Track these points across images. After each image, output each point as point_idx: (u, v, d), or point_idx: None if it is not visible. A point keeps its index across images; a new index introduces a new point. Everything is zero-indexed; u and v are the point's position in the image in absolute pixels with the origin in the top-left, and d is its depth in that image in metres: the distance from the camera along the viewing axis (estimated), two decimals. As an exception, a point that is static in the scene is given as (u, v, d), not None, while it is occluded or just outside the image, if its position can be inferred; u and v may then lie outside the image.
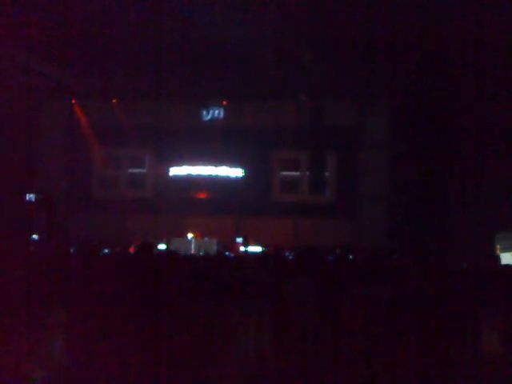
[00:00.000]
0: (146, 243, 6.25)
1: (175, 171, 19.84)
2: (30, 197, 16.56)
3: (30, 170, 18.46)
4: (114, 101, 19.27)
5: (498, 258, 5.06)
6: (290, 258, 9.91)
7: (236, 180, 19.67)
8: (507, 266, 5.33)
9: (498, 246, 12.38)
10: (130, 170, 20.26)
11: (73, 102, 19.59)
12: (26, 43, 14.60)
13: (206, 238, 17.57)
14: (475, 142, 15.26)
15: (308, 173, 19.65)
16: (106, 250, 11.11)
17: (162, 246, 16.51)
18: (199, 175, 19.74)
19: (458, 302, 3.52)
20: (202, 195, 19.74)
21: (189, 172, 19.80)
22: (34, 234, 15.09)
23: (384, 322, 3.64)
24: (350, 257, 9.13)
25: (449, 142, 15.89)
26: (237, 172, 19.74)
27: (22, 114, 17.89)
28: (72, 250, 9.82)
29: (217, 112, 19.82)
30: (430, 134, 16.25)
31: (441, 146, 16.04)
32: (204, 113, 19.86)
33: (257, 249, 16.04)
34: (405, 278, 4.57)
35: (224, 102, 19.59)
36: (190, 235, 17.82)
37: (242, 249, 16.38)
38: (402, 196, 17.13)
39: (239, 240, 16.96)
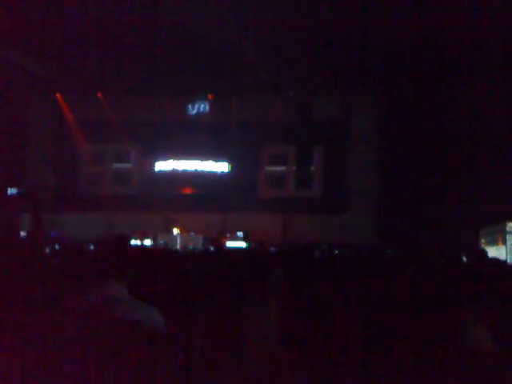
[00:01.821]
0: (120, 236, 6.06)
1: (161, 166, 19.72)
2: (12, 191, 16.27)
3: (13, 164, 18.26)
4: (99, 95, 19.07)
5: (485, 252, 5.05)
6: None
7: (222, 175, 19.58)
8: (495, 259, 5.31)
9: (483, 241, 12.46)
10: (116, 165, 20.11)
11: (57, 96, 19.35)
12: (9, 38, 14.40)
13: (191, 234, 17.46)
14: (462, 137, 15.34)
15: (295, 167, 19.60)
16: (92, 247, 10.97)
17: (147, 242, 16.40)
18: (185, 170, 19.62)
19: (450, 297, 3.47)
20: (189, 190, 19.63)
21: (175, 167, 19.67)
22: (20, 230, 14.89)
23: (375, 320, 3.58)
24: (336, 252, 9.09)
25: (436, 136, 15.93)
26: (223, 167, 19.65)
27: (6, 109, 17.68)
28: (56, 247, 9.72)
29: (202, 106, 19.70)
30: (418, 128, 16.27)
31: (428, 140, 16.07)
32: (190, 107, 19.73)
33: (241, 244, 15.97)
34: (395, 274, 4.53)
35: (210, 97, 19.46)
36: (175, 231, 17.69)
37: (227, 244, 16.27)
38: (389, 190, 17.14)
39: (239, 234, 16.83)
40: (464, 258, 5.61)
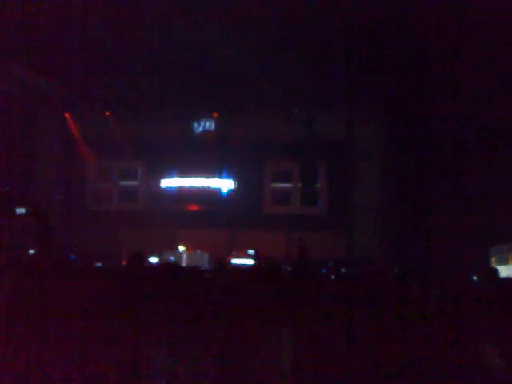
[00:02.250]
0: (136, 253, 6.22)
1: (167, 183, 19.84)
2: (21, 210, 16.44)
3: (22, 183, 18.43)
4: (106, 114, 19.30)
5: (497, 272, 5.09)
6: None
7: (227, 192, 19.69)
8: (507, 278, 5.37)
9: (494, 259, 12.39)
10: (122, 183, 20.26)
11: (66, 115, 19.60)
12: (21, 57, 14.63)
13: (197, 251, 17.53)
14: (469, 154, 15.33)
15: (300, 185, 19.70)
16: (99, 264, 11.06)
17: (153, 259, 16.45)
18: (190, 187, 19.74)
19: (461, 316, 3.57)
20: (194, 207, 19.73)
21: (180, 184, 19.79)
22: (29, 248, 14.98)
23: (385, 340, 3.67)
24: (343, 270, 9.16)
25: (441, 152, 15.95)
26: (228, 184, 19.77)
27: (15, 127, 17.88)
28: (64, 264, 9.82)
29: (208, 124, 19.87)
30: (422, 145, 16.34)
31: (433, 156, 16.11)
32: (195, 125, 19.91)
33: (249, 262, 16.01)
34: (404, 293, 4.61)
35: (215, 114, 19.65)
36: (181, 248, 17.78)
37: (233, 261, 16.33)
38: (394, 207, 17.18)
39: (250, 252, 16.87)
40: (474, 277, 5.66)
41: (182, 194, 19.70)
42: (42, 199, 18.39)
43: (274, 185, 19.91)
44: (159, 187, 19.84)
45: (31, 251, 13.82)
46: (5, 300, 5.19)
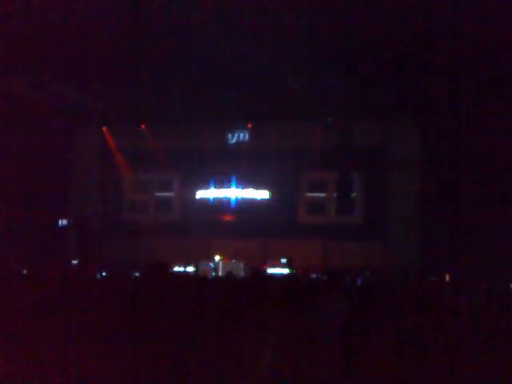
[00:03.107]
0: (159, 263, 6.34)
1: (202, 194, 20.01)
2: (63, 222, 16.91)
3: (64, 195, 18.94)
4: (142, 126, 19.65)
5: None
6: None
7: (262, 202, 19.72)
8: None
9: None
10: (159, 194, 20.54)
11: (103, 129, 20.06)
12: (58, 72, 15.04)
13: (233, 261, 17.61)
14: (507, 161, 15.04)
15: (335, 194, 19.58)
16: (137, 274, 11.23)
17: (190, 269, 16.61)
18: (226, 198, 19.85)
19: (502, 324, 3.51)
20: (229, 218, 19.83)
21: (215, 195, 19.93)
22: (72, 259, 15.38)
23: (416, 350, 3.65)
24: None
25: (479, 161, 15.67)
26: (263, 194, 19.80)
27: (55, 142, 18.38)
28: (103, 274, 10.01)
29: (242, 135, 20.00)
30: (460, 153, 16.09)
31: (470, 165, 15.84)
32: (229, 136, 20.06)
33: (284, 271, 15.99)
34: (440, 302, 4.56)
35: (249, 125, 19.77)
36: (217, 258, 17.90)
37: (269, 270, 16.33)
38: (431, 216, 16.94)
39: (283, 261, 16.90)
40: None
41: (217, 204, 19.83)
42: (81, 212, 18.79)
43: (309, 194, 19.85)
44: (195, 198, 20.02)
45: (74, 261, 14.17)
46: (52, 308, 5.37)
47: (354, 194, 19.50)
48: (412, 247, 17.63)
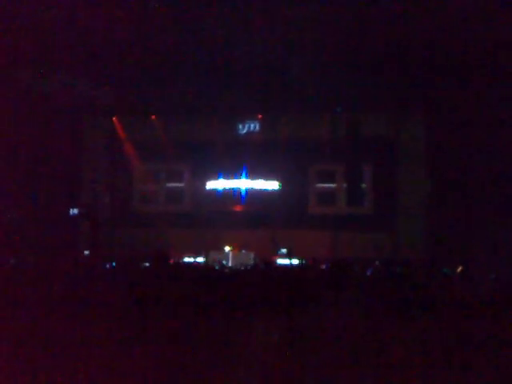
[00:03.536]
0: (160, 253, 6.40)
1: (212, 185, 20.06)
2: (74, 212, 17.03)
3: (74, 185, 19.07)
4: (152, 117, 19.71)
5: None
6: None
7: (272, 193, 19.74)
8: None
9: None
10: (169, 185, 20.62)
11: (113, 119, 20.14)
12: (67, 63, 15.09)
13: (243, 251, 17.70)
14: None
15: (345, 185, 19.56)
16: (147, 264, 11.31)
17: (200, 259, 16.73)
18: (236, 189, 19.89)
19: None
20: (239, 208, 19.89)
21: (225, 186, 19.98)
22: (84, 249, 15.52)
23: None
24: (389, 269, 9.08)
25: (488, 152, 15.60)
26: (273, 185, 19.82)
27: (65, 132, 18.48)
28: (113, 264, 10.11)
29: (252, 126, 20.00)
30: (469, 144, 16.02)
31: (480, 157, 15.77)
32: (240, 127, 20.07)
33: (294, 261, 16.04)
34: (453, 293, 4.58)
35: (259, 116, 19.76)
36: (227, 248, 18.00)
37: (279, 262, 16.38)
38: (440, 207, 16.90)
39: (283, 251, 16.99)
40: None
41: (227, 195, 19.87)
42: (91, 201, 18.92)
43: (319, 185, 19.85)
44: (205, 189, 20.07)
45: (86, 252, 14.29)
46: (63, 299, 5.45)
47: (363, 185, 19.48)
48: (421, 238, 17.64)
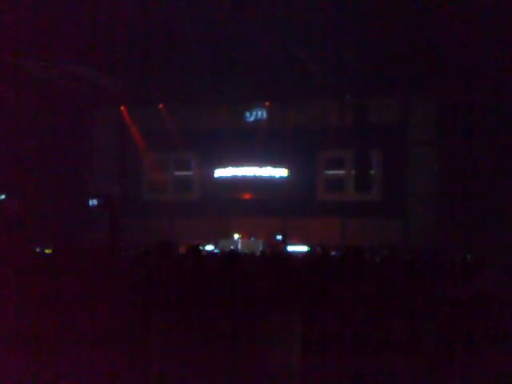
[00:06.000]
0: (194, 246, 6.45)
1: (220, 173, 20.08)
2: (93, 202, 17.17)
3: (88, 176, 19.22)
4: (160, 106, 19.71)
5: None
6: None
7: (281, 180, 19.73)
8: None
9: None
10: (177, 173, 20.66)
11: (122, 109, 20.16)
12: (76, 53, 15.11)
13: (252, 239, 17.74)
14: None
15: (353, 171, 19.51)
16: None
17: (209, 247, 16.77)
18: (244, 176, 19.88)
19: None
20: (248, 196, 19.91)
21: (234, 173, 19.97)
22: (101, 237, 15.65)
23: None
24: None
25: (497, 138, 15.48)
26: (281, 172, 19.80)
27: (73, 122, 18.55)
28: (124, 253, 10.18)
29: (260, 113, 19.95)
30: (479, 129, 15.91)
31: (489, 142, 15.66)
32: (247, 114, 20.02)
33: (303, 248, 16.06)
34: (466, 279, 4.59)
35: (267, 103, 19.71)
36: (236, 236, 18.04)
37: (287, 248, 16.41)
38: (449, 193, 16.84)
39: (279, 238, 17.02)
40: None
41: (235, 183, 19.88)
42: (106, 192, 18.98)
43: (328, 172, 19.81)
44: (213, 177, 20.10)
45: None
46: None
47: (372, 172, 19.41)
48: (430, 224, 17.59)
